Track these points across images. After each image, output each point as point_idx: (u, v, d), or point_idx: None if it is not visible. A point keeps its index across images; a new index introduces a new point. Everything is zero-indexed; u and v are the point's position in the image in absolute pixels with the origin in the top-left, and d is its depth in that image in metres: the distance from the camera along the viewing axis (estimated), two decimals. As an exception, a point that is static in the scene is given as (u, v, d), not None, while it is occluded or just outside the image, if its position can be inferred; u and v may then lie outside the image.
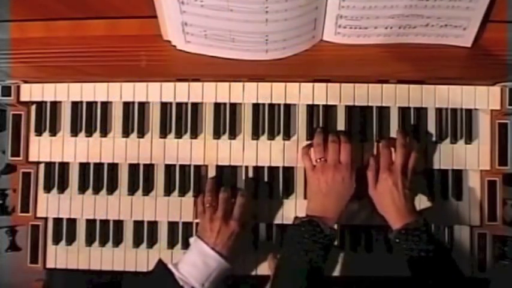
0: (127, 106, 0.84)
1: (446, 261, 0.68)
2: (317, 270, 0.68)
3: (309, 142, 0.81)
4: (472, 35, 0.68)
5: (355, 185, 0.75)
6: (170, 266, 0.71)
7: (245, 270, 0.82)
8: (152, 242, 0.85)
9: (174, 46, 0.70)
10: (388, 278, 0.80)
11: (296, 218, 0.75)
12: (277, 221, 0.83)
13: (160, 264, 0.73)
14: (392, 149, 0.78)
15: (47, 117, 0.85)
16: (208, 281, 0.70)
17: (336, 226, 0.75)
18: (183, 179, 0.84)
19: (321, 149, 0.76)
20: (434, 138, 0.82)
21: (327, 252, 0.70)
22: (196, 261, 0.71)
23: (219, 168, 0.83)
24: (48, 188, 0.85)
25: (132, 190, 0.84)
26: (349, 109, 0.82)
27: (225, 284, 0.75)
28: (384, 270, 0.81)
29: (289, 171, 0.83)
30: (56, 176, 0.85)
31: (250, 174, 0.84)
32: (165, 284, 0.70)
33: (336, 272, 0.82)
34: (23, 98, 0.83)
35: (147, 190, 0.84)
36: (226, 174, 0.84)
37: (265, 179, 0.83)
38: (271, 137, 0.82)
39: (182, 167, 0.84)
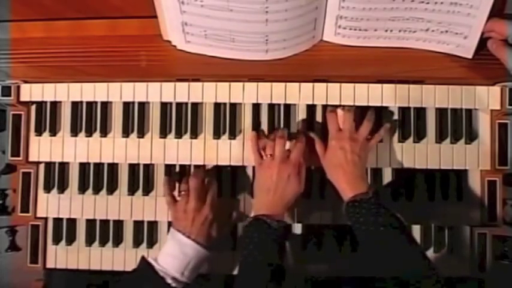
0: (127, 106, 0.84)
1: (400, 235, 0.66)
2: (277, 267, 0.67)
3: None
4: (473, 46, 0.67)
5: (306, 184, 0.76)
6: (150, 260, 0.72)
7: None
8: (152, 242, 0.85)
9: (174, 46, 0.70)
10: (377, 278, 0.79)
11: (247, 219, 0.75)
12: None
13: (142, 259, 0.73)
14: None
15: (47, 117, 0.85)
16: (187, 269, 0.71)
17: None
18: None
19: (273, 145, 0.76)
20: (434, 138, 0.82)
21: (282, 246, 0.70)
22: (174, 251, 0.72)
23: (219, 168, 0.83)
24: (48, 188, 0.85)
25: (132, 190, 0.84)
26: (349, 109, 0.82)
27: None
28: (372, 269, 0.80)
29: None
30: (56, 176, 0.85)
31: (250, 174, 0.84)
32: (147, 277, 0.71)
33: (330, 273, 0.82)
34: (23, 98, 0.83)
35: (147, 190, 0.84)
36: (226, 174, 0.84)
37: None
38: (271, 137, 0.82)
39: (182, 167, 0.84)
